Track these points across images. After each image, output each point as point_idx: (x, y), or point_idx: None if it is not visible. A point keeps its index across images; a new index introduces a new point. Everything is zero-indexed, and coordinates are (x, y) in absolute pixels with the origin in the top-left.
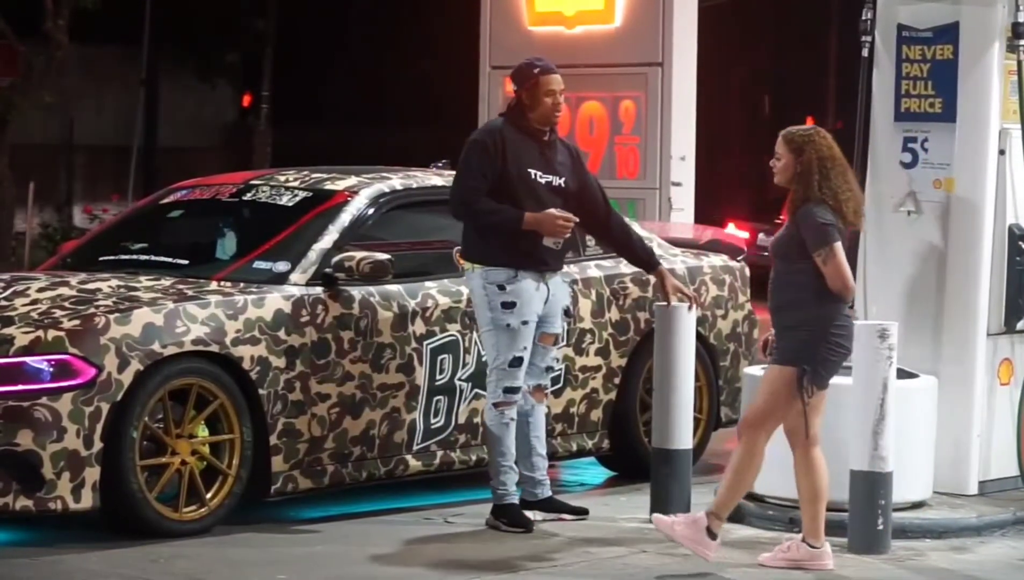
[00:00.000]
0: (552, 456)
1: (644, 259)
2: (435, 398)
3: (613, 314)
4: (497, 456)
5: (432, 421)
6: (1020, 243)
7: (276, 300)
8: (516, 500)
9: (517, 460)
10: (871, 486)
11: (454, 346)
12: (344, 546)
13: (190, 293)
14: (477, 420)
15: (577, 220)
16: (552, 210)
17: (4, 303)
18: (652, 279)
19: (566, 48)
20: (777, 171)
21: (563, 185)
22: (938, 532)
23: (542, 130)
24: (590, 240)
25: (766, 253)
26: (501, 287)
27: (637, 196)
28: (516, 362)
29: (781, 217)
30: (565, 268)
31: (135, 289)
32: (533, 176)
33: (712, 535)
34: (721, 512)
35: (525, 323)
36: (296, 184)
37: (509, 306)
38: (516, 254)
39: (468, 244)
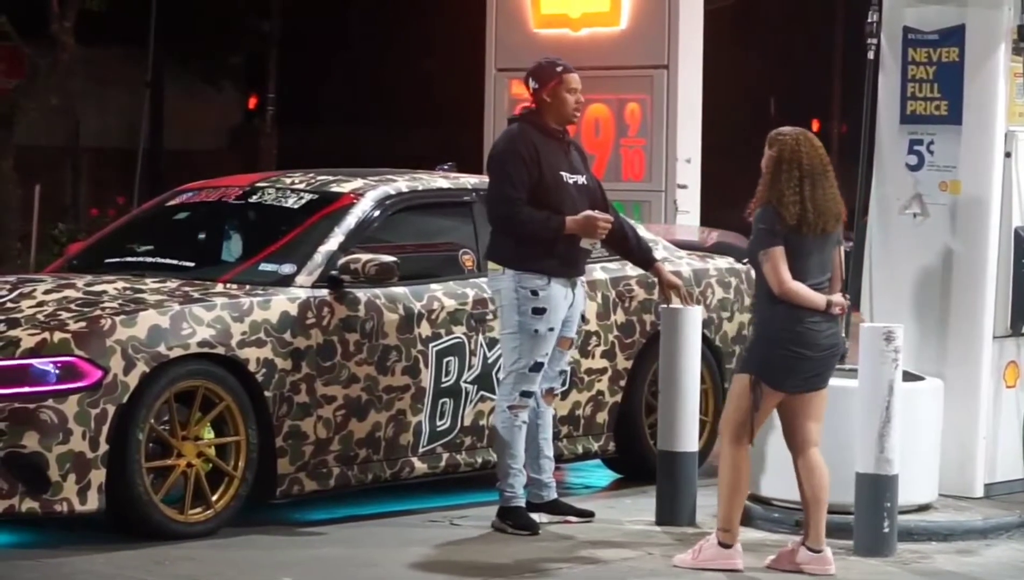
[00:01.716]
0: (558, 458)
1: (642, 256)
2: (441, 400)
3: (619, 316)
4: (507, 459)
5: (438, 423)
6: None
7: (282, 302)
8: (523, 503)
9: (525, 462)
10: (877, 488)
11: (460, 348)
12: (349, 548)
13: (196, 295)
14: (483, 422)
15: (613, 220)
16: (590, 213)
17: (10, 305)
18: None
19: (572, 50)
20: None
21: (585, 183)
22: (944, 535)
23: (560, 130)
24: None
25: None
26: (534, 293)
27: (643, 198)
28: (536, 367)
29: None
30: None
31: (141, 291)
32: (564, 178)
33: (727, 547)
34: (727, 526)
35: (551, 330)
36: (302, 186)
37: (539, 312)
38: (551, 259)
39: (498, 247)
